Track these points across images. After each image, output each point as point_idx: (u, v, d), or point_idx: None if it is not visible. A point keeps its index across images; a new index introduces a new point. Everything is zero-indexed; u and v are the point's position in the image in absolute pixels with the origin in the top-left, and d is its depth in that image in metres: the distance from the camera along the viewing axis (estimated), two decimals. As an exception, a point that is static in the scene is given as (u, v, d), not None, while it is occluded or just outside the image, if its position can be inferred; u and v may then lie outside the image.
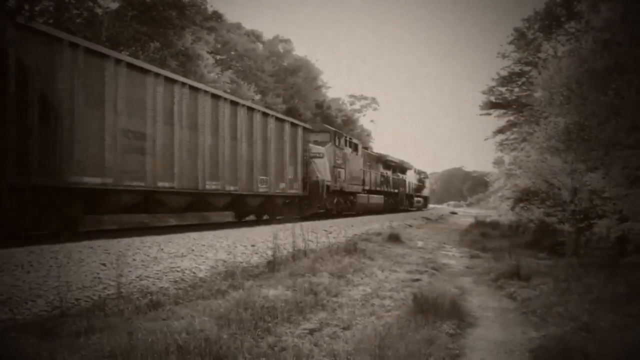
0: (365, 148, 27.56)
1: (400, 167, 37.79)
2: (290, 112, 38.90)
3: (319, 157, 20.45)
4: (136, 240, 9.01)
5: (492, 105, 32.86)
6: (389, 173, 34.18)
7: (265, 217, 18.11)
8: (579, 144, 10.77)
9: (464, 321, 6.02)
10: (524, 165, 15.31)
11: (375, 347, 4.48)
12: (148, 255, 7.95)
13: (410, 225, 23.41)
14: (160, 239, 9.62)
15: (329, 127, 23.64)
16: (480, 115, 33.94)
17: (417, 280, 8.70)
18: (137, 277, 6.79)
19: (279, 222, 14.87)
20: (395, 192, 35.30)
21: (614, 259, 8.58)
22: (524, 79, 29.56)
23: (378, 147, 73.33)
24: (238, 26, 42.75)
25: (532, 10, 28.51)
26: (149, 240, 9.23)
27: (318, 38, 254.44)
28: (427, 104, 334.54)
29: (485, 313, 6.63)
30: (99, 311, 5.32)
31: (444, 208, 70.67)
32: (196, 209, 15.00)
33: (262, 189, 16.32)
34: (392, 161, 35.05)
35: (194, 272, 7.57)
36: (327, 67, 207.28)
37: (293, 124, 19.02)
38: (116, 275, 5.99)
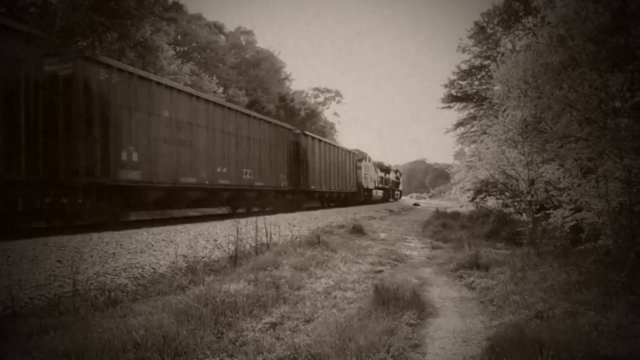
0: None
1: (387, 169, 50.87)
2: (253, 104, 38.55)
3: (359, 169, 35.38)
4: (94, 237, 8.78)
5: (453, 99, 33.28)
6: (382, 174, 46.84)
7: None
8: (535, 136, 11.00)
9: (424, 311, 6.11)
10: (484, 157, 15.56)
11: (336, 340, 4.50)
12: (106, 252, 7.78)
13: (373, 217, 23.62)
14: (117, 235, 9.40)
15: (362, 151, 38.17)
16: (442, 108, 34.43)
17: (379, 271, 8.79)
18: (95, 274, 6.64)
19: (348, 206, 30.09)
20: (387, 188, 48.53)
21: (568, 247, 8.82)
22: (483, 73, 30.04)
23: (342, 140, 73.38)
24: (199, 17, 42.00)
25: (492, 5, 28.99)
26: (106, 236, 9.01)
27: (281, 31, 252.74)
28: (390, 97, 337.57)
29: (445, 303, 6.75)
30: (53, 310, 5.17)
31: (407, 200, 71.54)
32: (329, 201, 29.52)
33: (345, 189, 31.23)
34: (383, 165, 48.75)
35: (153, 268, 7.44)
36: (290, 61, 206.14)
37: (352, 153, 34.12)
38: (72, 273, 5.82)
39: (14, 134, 8.80)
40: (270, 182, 19.52)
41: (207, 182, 14.63)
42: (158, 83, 12.70)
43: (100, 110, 10.58)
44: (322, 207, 27.58)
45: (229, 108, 16.61)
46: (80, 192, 10.29)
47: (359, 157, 35.88)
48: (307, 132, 24.56)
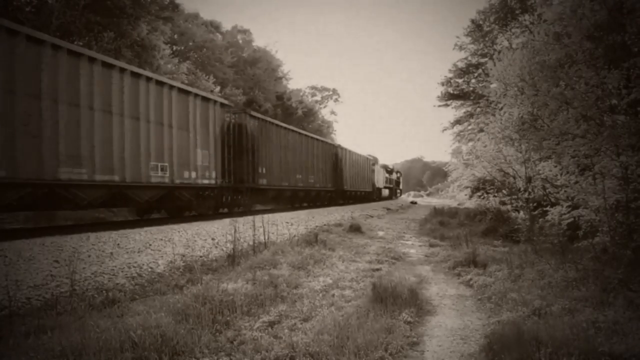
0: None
1: (391, 170, 57.82)
2: (250, 103, 38.50)
3: (373, 172, 42.45)
4: (91, 237, 8.76)
5: (450, 97, 33.30)
6: (388, 175, 53.52)
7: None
8: (532, 133, 11.01)
9: (422, 309, 6.11)
10: (481, 155, 15.59)
11: (334, 338, 4.50)
12: (103, 252, 7.76)
13: (371, 216, 23.62)
14: (115, 234, 9.38)
15: (375, 156, 44.76)
16: (439, 106, 34.43)
17: (377, 270, 8.78)
18: (92, 273, 6.62)
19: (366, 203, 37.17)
20: (391, 187, 55.78)
21: (565, 245, 8.82)
22: (480, 71, 30.03)
23: (340, 139, 73.37)
24: (195, 16, 41.89)
25: (488, 3, 28.93)
26: (104, 235, 8.99)
27: (279, 30, 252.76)
28: (387, 96, 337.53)
29: (443, 301, 6.75)
30: (51, 310, 5.16)
31: (405, 198, 71.63)
32: (349, 198, 34.63)
33: (365, 188, 38.10)
34: (388, 167, 55.87)
35: (151, 268, 7.43)
36: (287, 59, 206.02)
37: (368, 158, 40.49)
38: (70, 273, 5.81)
39: (224, 159, 15.71)
40: (323, 185, 27.33)
41: (292, 185, 22.13)
42: (277, 125, 20.57)
43: (253, 143, 17.73)
44: (344, 203, 32.68)
45: (304, 135, 24.70)
46: (244, 193, 17.28)
47: (373, 161, 43.54)
48: (342, 146, 32.47)
